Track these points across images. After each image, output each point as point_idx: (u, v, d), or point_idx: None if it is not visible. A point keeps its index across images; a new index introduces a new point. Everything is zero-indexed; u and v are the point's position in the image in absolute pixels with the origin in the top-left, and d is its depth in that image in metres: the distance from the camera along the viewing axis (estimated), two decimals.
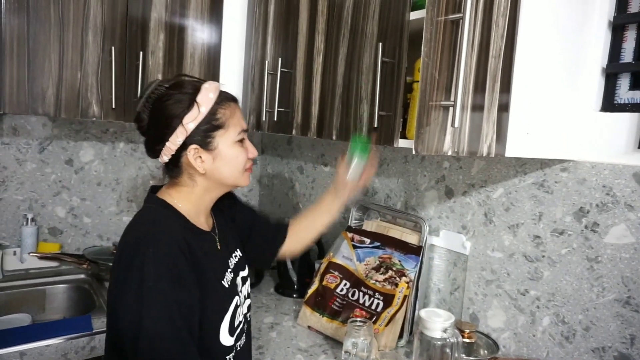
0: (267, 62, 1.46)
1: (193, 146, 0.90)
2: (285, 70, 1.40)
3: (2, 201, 1.67)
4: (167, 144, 0.90)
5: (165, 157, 0.92)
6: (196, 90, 0.90)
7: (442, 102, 0.71)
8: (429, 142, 0.72)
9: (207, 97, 0.90)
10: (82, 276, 1.69)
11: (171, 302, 0.81)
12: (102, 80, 1.48)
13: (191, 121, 0.88)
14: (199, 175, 0.93)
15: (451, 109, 0.70)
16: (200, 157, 0.91)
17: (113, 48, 1.47)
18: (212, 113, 0.90)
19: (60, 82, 1.41)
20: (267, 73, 1.46)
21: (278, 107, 1.41)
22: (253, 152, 0.98)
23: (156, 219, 0.90)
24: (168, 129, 0.89)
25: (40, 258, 1.68)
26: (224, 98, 0.94)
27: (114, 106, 1.49)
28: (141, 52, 1.50)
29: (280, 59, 1.40)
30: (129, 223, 0.92)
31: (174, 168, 0.94)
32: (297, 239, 1.23)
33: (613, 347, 0.99)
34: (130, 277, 0.81)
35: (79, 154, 1.79)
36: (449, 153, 0.73)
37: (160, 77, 1.54)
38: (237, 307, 0.97)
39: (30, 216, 1.67)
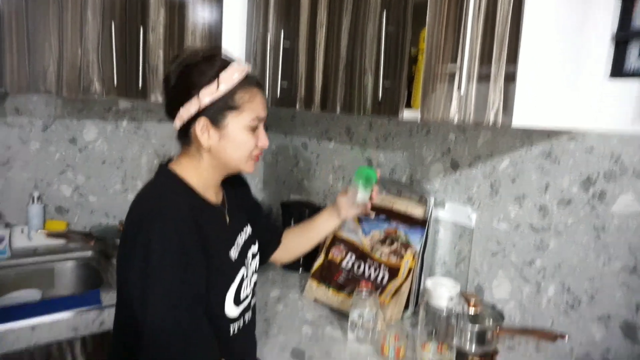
0: (269, 36, 1.44)
1: (203, 119, 0.90)
2: (288, 44, 1.38)
3: (8, 180, 1.68)
4: (181, 110, 0.90)
5: (177, 122, 0.93)
6: (223, 67, 0.90)
7: (448, 69, 0.69)
8: (435, 109, 0.71)
9: (230, 76, 0.90)
10: (90, 253, 1.71)
11: (176, 279, 0.81)
12: (102, 57, 1.46)
13: (208, 95, 0.88)
14: (205, 150, 0.93)
15: (457, 74, 0.68)
16: (208, 132, 0.91)
17: (113, 24, 1.45)
18: (231, 93, 0.90)
19: (60, 60, 1.40)
20: (270, 48, 1.44)
21: (281, 82, 1.39)
22: (264, 142, 0.97)
23: (162, 193, 0.90)
24: (185, 96, 0.89)
25: (48, 236, 1.70)
26: (249, 82, 0.93)
27: (115, 83, 1.48)
28: (141, 28, 1.48)
29: (282, 33, 1.38)
30: (136, 197, 0.92)
31: (184, 137, 0.94)
32: (287, 250, 1.25)
33: (618, 315, 1.00)
34: (135, 253, 0.82)
35: (83, 132, 1.79)
36: (455, 121, 0.72)
37: (161, 53, 1.52)
38: (243, 279, 0.98)
39: (36, 195, 1.68)
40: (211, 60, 0.91)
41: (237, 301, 0.96)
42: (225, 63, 0.91)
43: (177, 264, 0.82)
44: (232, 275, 0.95)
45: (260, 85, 0.97)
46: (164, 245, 0.81)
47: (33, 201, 1.68)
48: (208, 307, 0.88)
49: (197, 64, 0.90)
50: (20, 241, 1.68)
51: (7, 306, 1.29)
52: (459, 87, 0.67)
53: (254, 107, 0.93)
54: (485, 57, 0.75)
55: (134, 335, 0.87)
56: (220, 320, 0.92)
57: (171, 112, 0.94)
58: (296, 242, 1.25)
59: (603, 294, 1.02)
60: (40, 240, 1.70)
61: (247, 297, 1.01)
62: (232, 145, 0.93)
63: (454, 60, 0.70)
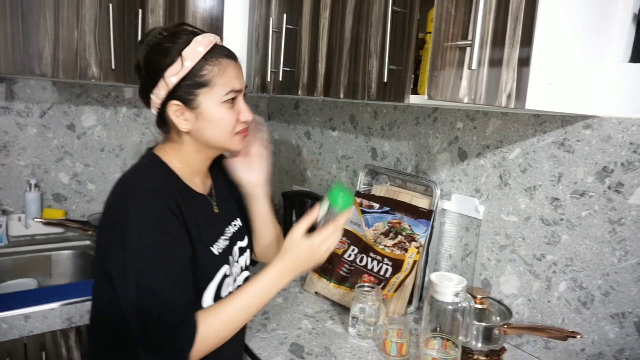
0: (271, 19, 1.39)
1: (174, 102, 0.85)
2: (291, 27, 1.32)
3: (5, 167, 1.64)
4: (151, 96, 0.86)
5: (153, 109, 0.89)
6: (187, 42, 0.84)
7: (458, 42, 0.64)
8: (444, 87, 0.65)
9: (195, 50, 0.83)
10: (88, 242, 1.68)
11: (156, 257, 0.78)
12: (100, 40, 1.42)
13: (173, 75, 0.83)
14: (184, 133, 0.89)
15: (468, 49, 0.63)
16: (182, 114, 0.86)
17: (110, 5, 1.41)
18: (198, 69, 0.84)
19: (56, 41, 1.35)
20: (272, 31, 1.39)
21: (283, 67, 1.34)
22: (246, 115, 0.90)
23: (146, 175, 0.86)
24: (152, 80, 0.85)
25: (45, 224, 1.67)
26: (216, 54, 0.86)
27: (113, 67, 1.43)
28: (140, 10, 1.43)
29: (285, 16, 1.33)
30: (119, 178, 0.88)
31: (162, 123, 0.90)
32: (268, 252, 1.14)
33: (634, 313, 0.95)
34: (114, 235, 0.79)
35: (81, 118, 1.75)
36: (465, 100, 0.67)
37: None
38: (225, 277, 0.93)
39: (33, 182, 1.65)
40: (175, 37, 0.85)
41: (218, 300, 0.90)
42: (189, 38, 0.85)
43: (157, 243, 0.78)
44: (212, 271, 0.90)
45: (232, 55, 0.90)
46: (143, 225, 0.77)
47: (30, 188, 1.65)
48: None
49: (159, 44, 0.85)
50: (17, 229, 1.65)
51: (1, 295, 1.26)
52: (470, 65, 0.61)
53: (225, 80, 0.86)
54: (499, 34, 0.70)
55: (111, 318, 0.83)
56: None
57: (145, 99, 0.89)
58: (278, 245, 1.12)
59: (618, 290, 0.97)
60: (37, 228, 1.67)
61: (229, 295, 0.95)
62: (210, 124, 0.87)
63: (465, 36, 0.65)
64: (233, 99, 0.88)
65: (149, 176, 0.86)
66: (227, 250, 0.96)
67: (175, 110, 0.86)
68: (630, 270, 0.95)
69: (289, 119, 2.02)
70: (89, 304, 1.24)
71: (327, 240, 0.87)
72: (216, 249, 0.92)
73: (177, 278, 0.80)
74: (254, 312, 0.86)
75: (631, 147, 0.94)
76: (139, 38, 1.42)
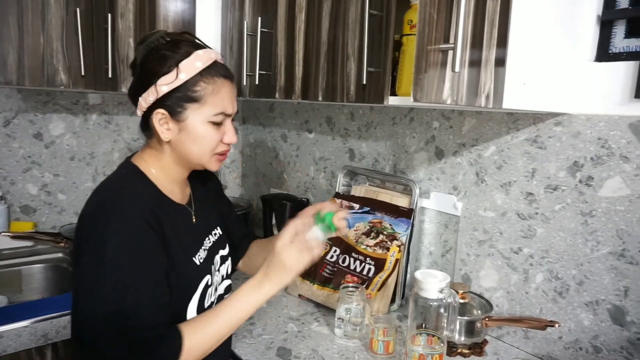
0: (245, 22, 1.38)
1: (160, 110, 0.84)
2: (266, 30, 1.32)
3: None
4: (139, 99, 0.85)
5: (138, 111, 0.88)
6: (187, 54, 0.83)
7: (441, 46, 0.66)
8: (428, 89, 0.67)
9: (192, 64, 0.82)
10: (60, 255, 1.62)
11: (130, 275, 0.75)
12: (68, 45, 1.37)
13: (165, 84, 0.82)
14: (164, 142, 0.88)
15: (451, 52, 0.65)
16: (167, 123, 0.85)
17: (78, 10, 1.36)
18: (192, 83, 0.83)
19: (21, 48, 1.30)
20: (247, 34, 1.38)
21: (259, 71, 1.33)
22: (230, 138, 0.89)
23: (124, 186, 0.84)
24: (144, 84, 0.84)
25: (13, 238, 1.60)
26: (214, 72, 0.85)
27: (83, 73, 1.39)
28: (109, 15, 1.39)
29: (259, 19, 1.32)
30: (95, 189, 0.85)
31: (145, 127, 0.89)
32: (250, 263, 1.15)
33: (607, 300, 0.99)
34: (89, 247, 0.76)
35: (49, 127, 1.69)
36: (448, 102, 0.69)
37: (131, 41, 1.44)
38: (207, 286, 0.92)
39: None
40: (176, 46, 0.84)
41: (201, 311, 0.89)
42: (190, 50, 0.83)
43: (133, 258, 0.76)
44: (195, 281, 0.88)
45: (229, 76, 0.89)
46: (119, 239, 0.75)
47: None
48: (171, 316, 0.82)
49: (159, 49, 0.83)
50: None
51: None
52: (453, 67, 0.63)
53: (217, 101, 0.85)
54: (477, 37, 0.72)
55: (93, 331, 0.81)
56: None
57: (132, 99, 0.88)
58: (261, 254, 1.14)
59: (591, 279, 1.02)
60: (5, 242, 1.60)
61: (212, 304, 0.94)
62: (192, 139, 0.85)
63: (447, 39, 0.67)
64: (221, 121, 0.87)
65: (126, 188, 0.84)
66: (209, 260, 0.95)
67: (160, 118, 0.84)
68: (602, 260, 0.99)
69: (264, 122, 2.01)
70: (64, 319, 1.20)
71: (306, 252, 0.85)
72: (197, 259, 0.91)
73: (154, 295, 0.78)
74: (239, 323, 0.85)
75: (599, 142, 0.98)
76: (110, 43, 1.39)
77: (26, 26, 1.30)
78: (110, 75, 1.41)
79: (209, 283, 0.93)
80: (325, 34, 1.14)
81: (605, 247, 0.99)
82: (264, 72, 1.33)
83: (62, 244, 1.61)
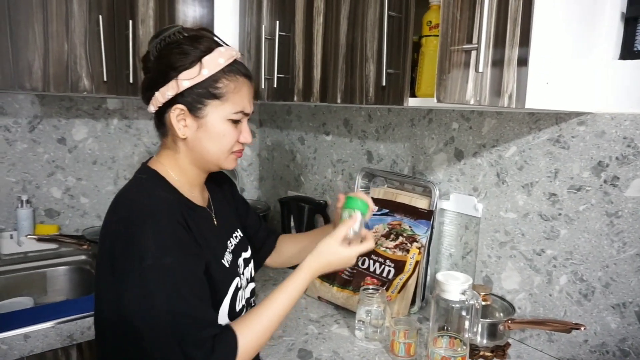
0: (263, 26, 1.40)
1: (180, 106, 0.82)
2: (284, 34, 1.33)
3: None
4: (156, 93, 0.83)
5: (152, 107, 0.86)
6: (209, 49, 0.82)
7: (464, 46, 0.65)
8: (452, 90, 0.67)
9: (215, 60, 0.82)
10: (83, 257, 1.65)
11: (177, 277, 0.75)
12: (90, 52, 1.40)
13: (188, 79, 0.81)
14: (180, 140, 0.86)
15: (474, 52, 0.64)
16: (184, 120, 0.84)
17: (100, 17, 1.39)
18: (214, 79, 0.82)
19: (46, 55, 1.34)
20: (265, 38, 1.39)
21: (277, 74, 1.34)
22: (246, 137, 0.89)
23: (152, 192, 0.82)
24: (163, 78, 0.82)
25: (38, 240, 1.64)
26: (236, 70, 0.85)
27: (105, 79, 1.42)
28: (130, 21, 1.42)
29: (277, 23, 1.34)
30: (119, 195, 0.84)
31: (160, 124, 0.87)
32: (280, 255, 1.18)
33: (634, 302, 0.97)
34: (128, 254, 0.75)
35: (72, 132, 1.73)
36: (472, 102, 0.69)
37: None
38: (237, 289, 0.91)
39: (25, 198, 1.62)
40: (196, 41, 0.83)
41: (232, 314, 0.89)
42: (212, 46, 0.83)
43: (177, 259, 0.75)
44: (226, 285, 0.88)
45: (249, 76, 0.89)
46: (159, 242, 0.74)
47: (22, 205, 1.62)
48: None
49: (179, 44, 0.82)
50: (10, 247, 1.62)
51: None
52: (477, 68, 0.63)
53: (238, 99, 0.85)
54: (500, 36, 0.72)
55: (121, 339, 0.80)
56: None
57: (146, 94, 0.86)
58: (292, 248, 1.18)
59: (618, 281, 0.99)
60: (30, 245, 1.64)
61: (242, 308, 0.94)
62: (210, 137, 0.84)
63: (470, 39, 0.67)
64: (240, 119, 0.87)
65: (154, 194, 0.82)
66: (235, 262, 0.94)
67: (177, 114, 0.83)
68: (629, 261, 0.97)
69: (281, 125, 2.02)
70: (89, 320, 1.23)
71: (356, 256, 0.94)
72: (226, 261, 0.90)
73: (203, 294, 0.78)
74: (286, 313, 0.86)
75: (625, 141, 0.96)
76: (131, 49, 1.42)
77: (51, 33, 1.33)
78: (131, 81, 1.44)
79: (239, 286, 0.92)
80: (343, 37, 1.14)
81: (632, 249, 0.97)
82: (282, 76, 1.34)
83: (85, 247, 1.65)
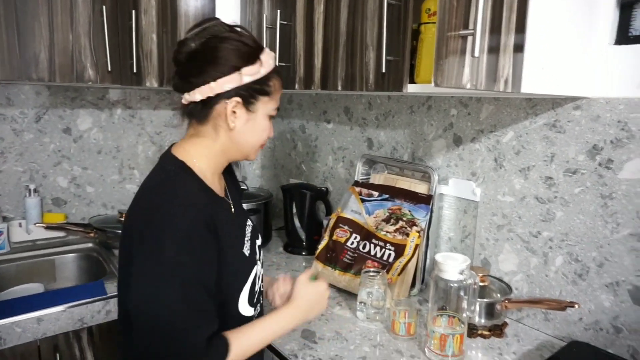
0: (264, 15, 1.41)
1: (236, 98, 0.85)
2: (285, 23, 1.35)
3: (3, 173, 1.64)
4: (212, 83, 0.83)
5: (198, 95, 0.84)
6: (259, 47, 0.88)
7: (461, 32, 0.68)
8: (449, 75, 0.69)
9: (268, 60, 0.88)
10: (90, 245, 1.69)
11: (191, 277, 0.77)
12: (95, 42, 1.42)
13: (249, 74, 0.84)
14: (225, 130, 0.87)
15: (470, 38, 0.67)
16: (235, 112, 0.86)
17: (104, 8, 1.41)
18: (268, 77, 0.88)
19: (52, 46, 1.36)
20: (266, 27, 1.41)
21: (279, 62, 1.37)
22: (272, 132, 0.95)
23: (177, 186, 0.83)
24: (221, 70, 0.83)
25: (47, 228, 1.68)
26: (279, 70, 0.92)
27: (109, 69, 1.44)
28: (133, 12, 1.44)
29: (278, 12, 1.36)
30: (144, 187, 0.86)
31: (202, 111, 0.86)
32: None
33: (627, 281, 1.01)
34: (148, 248, 0.77)
35: (77, 122, 1.75)
36: (468, 86, 0.71)
37: (154, 37, 1.49)
38: (257, 276, 0.95)
39: (32, 187, 1.65)
40: (249, 39, 0.87)
41: (252, 300, 0.92)
42: (258, 43, 0.89)
43: (192, 261, 0.78)
44: (246, 273, 0.91)
45: (281, 75, 0.94)
46: (178, 241, 0.76)
47: (30, 194, 1.65)
48: (221, 309, 0.84)
49: (229, 38, 0.84)
50: (19, 235, 1.66)
51: (12, 299, 1.27)
52: (473, 53, 0.65)
53: (277, 97, 0.92)
54: (496, 22, 0.74)
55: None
56: (235, 322, 0.88)
57: (190, 81, 0.85)
58: None
59: (612, 261, 1.03)
60: (39, 233, 1.68)
61: (257, 293, 0.97)
62: (254, 130, 0.90)
63: (466, 25, 0.69)
64: (274, 116, 0.93)
65: (181, 188, 0.83)
66: (253, 250, 0.96)
67: (234, 106, 0.85)
68: (622, 241, 1.01)
69: (282, 114, 2.04)
70: (99, 304, 1.27)
71: (326, 291, 1.01)
72: (246, 250, 0.93)
73: (205, 299, 0.80)
74: (276, 337, 0.93)
75: (619, 125, 0.99)
76: (134, 39, 1.44)
77: (56, 24, 1.35)
78: (135, 70, 1.46)
79: (257, 272, 0.96)
80: (344, 25, 1.16)
81: (625, 229, 1.00)
82: (284, 64, 1.36)
83: (92, 235, 1.68)
